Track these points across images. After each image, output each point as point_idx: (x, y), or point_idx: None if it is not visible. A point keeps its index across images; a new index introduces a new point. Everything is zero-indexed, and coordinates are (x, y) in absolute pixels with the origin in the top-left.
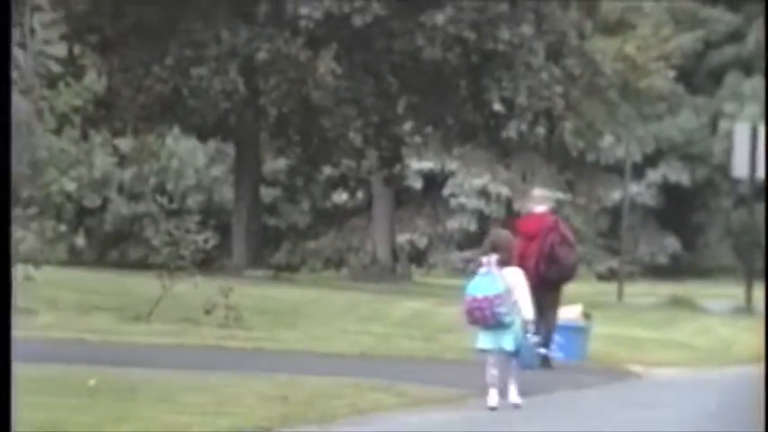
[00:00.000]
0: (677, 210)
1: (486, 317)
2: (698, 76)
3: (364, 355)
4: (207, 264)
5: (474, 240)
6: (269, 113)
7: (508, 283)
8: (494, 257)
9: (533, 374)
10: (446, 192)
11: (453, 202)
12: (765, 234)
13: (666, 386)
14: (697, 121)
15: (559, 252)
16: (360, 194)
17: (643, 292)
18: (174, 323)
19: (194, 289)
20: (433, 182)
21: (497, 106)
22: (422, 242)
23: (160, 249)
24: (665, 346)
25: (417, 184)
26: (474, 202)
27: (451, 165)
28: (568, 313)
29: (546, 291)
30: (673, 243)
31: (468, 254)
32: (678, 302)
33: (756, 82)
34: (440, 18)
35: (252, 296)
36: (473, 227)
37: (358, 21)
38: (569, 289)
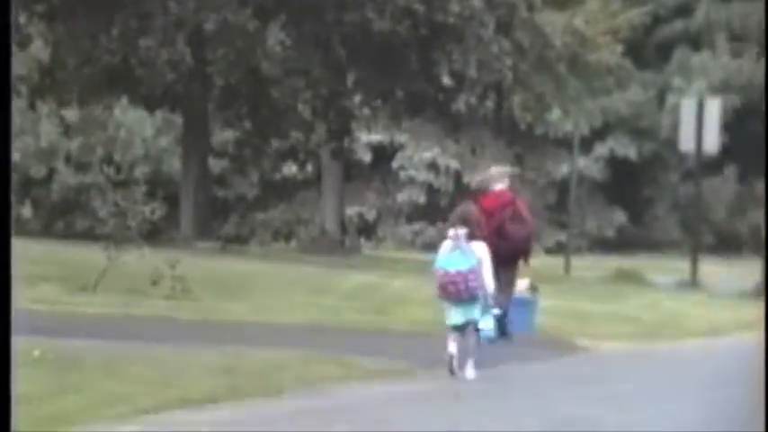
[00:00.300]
0: (625, 183)
1: (461, 291)
2: (646, 50)
3: (312, 327)
4: (154, 235)
5: (423, 213)
6: (216, 84)
7: (477, 258)
8: (462, 231)
9: (481, 346)
10: (395, 165)
11: (402, 174)
12: (765, 219)
13: (614, 359)
14: (645, 96)
15: (509, 228)
16: (309, 167)
17: (590, 265)
18: (120, 294)
19: (141, 260)
20: (383, 155)
21: (447, 79)
22: (371, 215)
23: (107, 220)
24: (612, 319)
25: (367, 156)
26: (423, 175)
27: (401, 138)
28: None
29: (501, 266)
30: (620, 217)
31: (417, 227)
32: (625, 276)
33: (704, 57)
34: None
35: (200, 267)
36: (422, 200)
37: None
38: None
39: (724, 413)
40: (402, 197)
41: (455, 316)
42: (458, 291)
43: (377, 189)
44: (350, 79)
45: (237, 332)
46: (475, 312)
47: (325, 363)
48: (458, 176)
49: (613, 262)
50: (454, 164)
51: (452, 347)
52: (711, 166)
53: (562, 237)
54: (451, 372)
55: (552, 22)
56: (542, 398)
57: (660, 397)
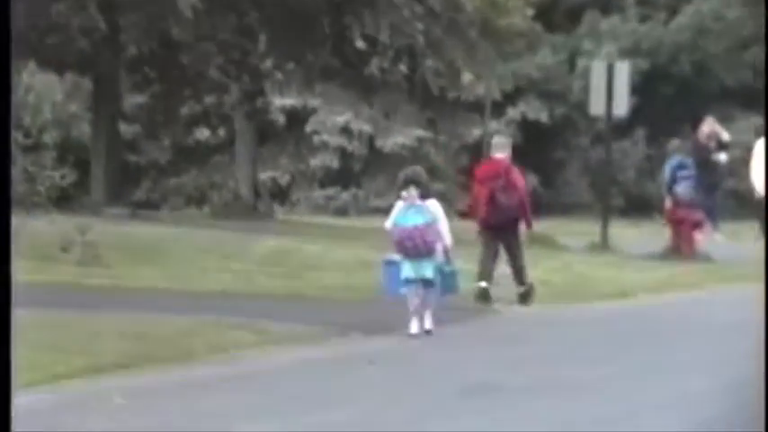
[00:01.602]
0: (536, 147)
1: (418, 245)
2: (556, 13)
3: (225, 292)
4: (64, 201)
5: (336, 178)
6: (128, 50)
7: (433, 214)
8: (414, 191)
9: (392, 311)
10: (308, 129)
11: (316, 139)
12: (765, 210)
13: (526, 322)
14: (555, 59)
15: (499, 197)
16: (222, 132)
17: None
18: (29, 260)
19: (51, 226)
20: (296, 119)
21: (359, 44)
22: (284, 180)
23: (15, 185)
24: None
25: (280, 119)
26: (336, 140)
27: (314, 102)
28: None
29: (499, 235)
30: (532, 180)
31: (330, 191)
32: (537, 239)
33: (613, 20)
34: None
35: (111, 233)
36: (335, 164)
37: None
38: None
39: (628, 371)
40: (315, 162)
41: (409, 271)
42: (415, 245)
43: (290, 154)
44: (262, 43)
45: (149, 298)
46: (429, 268)
47: (237, 328)
48: (371, 141)
49: None
50: (367, 128)
51: (414, 325)
52: (621, 130)
53: None
54: (412, 334)
55: None
56: (462, 360)
57: (576, 357)
